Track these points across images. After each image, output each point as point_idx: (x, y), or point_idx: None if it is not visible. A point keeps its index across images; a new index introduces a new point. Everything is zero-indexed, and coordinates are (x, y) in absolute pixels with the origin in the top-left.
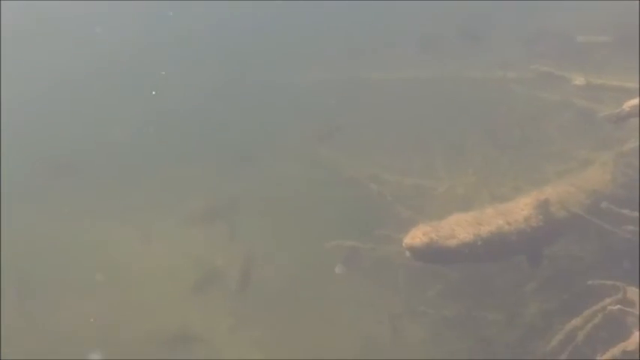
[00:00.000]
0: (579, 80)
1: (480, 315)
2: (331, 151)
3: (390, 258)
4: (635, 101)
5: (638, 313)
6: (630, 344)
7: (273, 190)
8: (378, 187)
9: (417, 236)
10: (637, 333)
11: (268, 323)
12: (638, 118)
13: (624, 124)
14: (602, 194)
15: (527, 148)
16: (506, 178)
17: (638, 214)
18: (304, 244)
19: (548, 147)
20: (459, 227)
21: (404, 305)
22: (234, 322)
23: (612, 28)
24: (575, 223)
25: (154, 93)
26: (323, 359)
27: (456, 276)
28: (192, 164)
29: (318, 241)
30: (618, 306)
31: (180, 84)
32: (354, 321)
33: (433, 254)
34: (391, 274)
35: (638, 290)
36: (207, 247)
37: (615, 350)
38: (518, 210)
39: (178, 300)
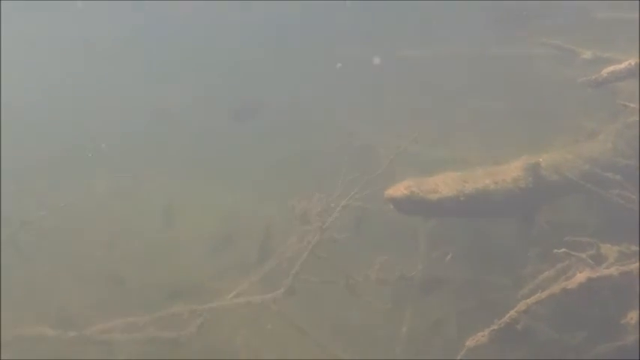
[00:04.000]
0: (587, 54)
1: (487, 279)
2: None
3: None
4: (611, 68)
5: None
6: (571, 283)
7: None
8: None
9: (398, 189)
10: (579, 274)
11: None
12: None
13: (603, 88)
14: (599, 162)
15: (542, 119)
16: (512, 146)
17: (620, 177)
18: None
19: (563, 119)
20: (444, 184)
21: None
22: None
23: None
24: (569, 188)
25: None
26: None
27: (464, 241)
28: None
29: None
30: (563, 249)
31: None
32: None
33: (414, 206)
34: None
35: (613, 247)
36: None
37: (556, 288)
38: (508, 172)
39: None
